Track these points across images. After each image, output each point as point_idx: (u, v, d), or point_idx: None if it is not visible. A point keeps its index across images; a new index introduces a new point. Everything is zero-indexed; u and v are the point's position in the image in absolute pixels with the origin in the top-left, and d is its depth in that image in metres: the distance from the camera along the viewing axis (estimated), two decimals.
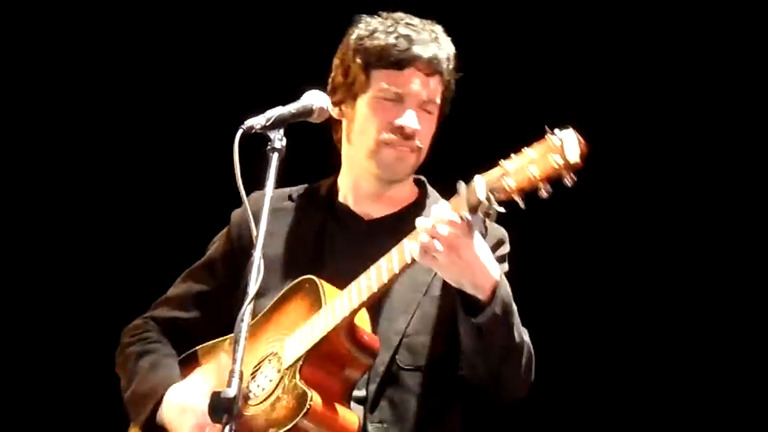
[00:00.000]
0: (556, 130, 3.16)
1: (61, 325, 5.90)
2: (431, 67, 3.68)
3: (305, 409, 3.43)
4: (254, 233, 3.31)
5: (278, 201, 3.76)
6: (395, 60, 3.67)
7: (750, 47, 5.46)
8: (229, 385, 3.15)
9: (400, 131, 3.67)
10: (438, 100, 3.72)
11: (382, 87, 3.68)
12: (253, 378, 3.60)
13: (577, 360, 5.50)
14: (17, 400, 5.91)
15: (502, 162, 3.22)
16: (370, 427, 3.58)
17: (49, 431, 5.93)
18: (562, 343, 5.38)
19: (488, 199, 3.22)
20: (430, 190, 3.85)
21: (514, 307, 3.48)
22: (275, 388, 3.54)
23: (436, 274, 3.53)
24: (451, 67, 3.73)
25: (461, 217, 3.27)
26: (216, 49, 5.73)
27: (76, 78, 5.87)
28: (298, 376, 3.49)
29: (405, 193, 3.82)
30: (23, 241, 5.93)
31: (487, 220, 3.38)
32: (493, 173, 3.23)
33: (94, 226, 5.90)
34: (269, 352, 3.61)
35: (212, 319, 3.84)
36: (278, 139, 3.42)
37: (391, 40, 3.68)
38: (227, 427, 3.13)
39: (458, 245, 3.31)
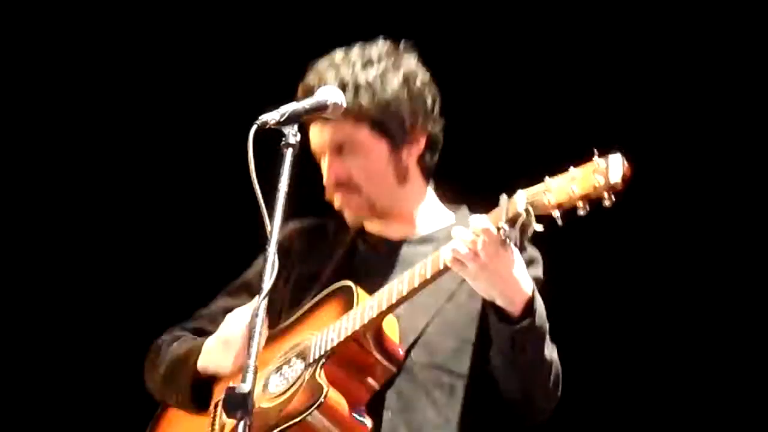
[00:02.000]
0: (604, 152, 3.21)
1: (72, 330, 5.91)
2: (325, 109, 3.59)
3: (318, 402, 3.46)
4: (268, 228, 3.31)
5: (317, 227, 3.89)
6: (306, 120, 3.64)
7: None
8: (243, 380, 3.14)
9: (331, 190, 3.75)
10: (353, 135, 3.71)
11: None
12: (277, 372, 3.63)
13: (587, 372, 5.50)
14: (21, 402, 5.92)
15: (547, 179, 3.27)
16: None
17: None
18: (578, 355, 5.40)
19: (527, 212, 3.26)
20: (467, 214, 3.81)
21: (547, 324, 3.50)
22: (296, 381, 3.57)
23: (462, 282, 3.53)
24: (355, 87, 3.69)
25: (498, 228, 3.30)
26: (231, 46, 5.74)
27: (88, 78, 5.88)
28: (319, 371, 3.52)
29: (437, 214, 3.84)
30: (36, 244, 5.95)
31: (524, 240, 3.40)
32: (536, 188, 3.28)
33: (103, 226, 5.91)
34: (296, 348, 3.64)
35: None
36: (292, 134, 3.42)
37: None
38: (242, 423, 3.13)
39: (491, 255, 3.34)
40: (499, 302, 3.42)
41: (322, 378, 3.50)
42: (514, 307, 3.42)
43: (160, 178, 5.81)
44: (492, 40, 5.51)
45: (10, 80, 5.87)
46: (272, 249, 3.28)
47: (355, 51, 3.78)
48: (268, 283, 3.23)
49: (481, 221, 3.35)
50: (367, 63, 3.75)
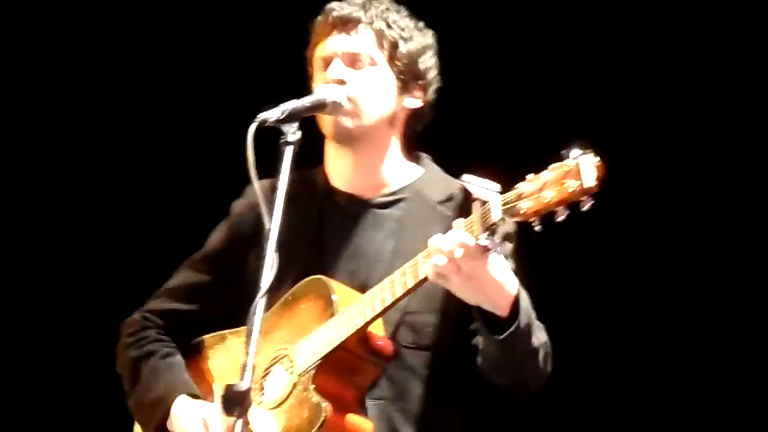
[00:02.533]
0: (574, 152, 3.13)
1: (61, 321, 5.89)
2: (351, 22, 3.71)
3: (320, 422, 3.45)
4: (267, 226, 3.30)
5: (271, 191, 3.62)
6: (320, 32, 3.76)
7: None
8: (241, 378, 3.14)
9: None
10: (372, 53, 3.72)
11: (317, 61, 3.76)
12: (264, 379, 3.61)
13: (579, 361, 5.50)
14: (17, 400, 5.91)
15: (519, 184, 3.21)
16: (369, 403, 3.58)
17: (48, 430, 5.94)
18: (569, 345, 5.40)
19: (503, 220, 3.22)
20: (434, 168, 3.83)
21: (533, 314, 3.49)
22: (288, 395, 3.55)
23: None
24: (389, 23, 3.74)
25: (476, 239, 3.27)
26: (230, 43, 5.73)
27: (85, 76, 5.87)
28: (311, 385, 3.50)
29: (399, 170, 3.79)
30: (24, 233, 5.92)
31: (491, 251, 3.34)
32: (509, 194, 3.22)
33: (101, 224, 5.90)
34: (280, 353, 3.61)
35: (212, 310, 3.85)
36: (292, 132, 3.41)
37: (317, 21, 3.80)
38: (240, 421, 3.13)
39: (471, 267, 3.31)
40: (485, 307, 3.41)
41: (317, 394, 3.48)
42: (501, 311, 3.41)
43: (159, 176, 5.80)
44: (478, 34, 5.52)
45: (9, 80, 5.86)
46: (271, 246, 3.27)
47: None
48: (267, 281, 3.22)
49: (457, 235, 3.30)
50: (400, 13, 3.79)
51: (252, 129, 3.37)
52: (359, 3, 3.77)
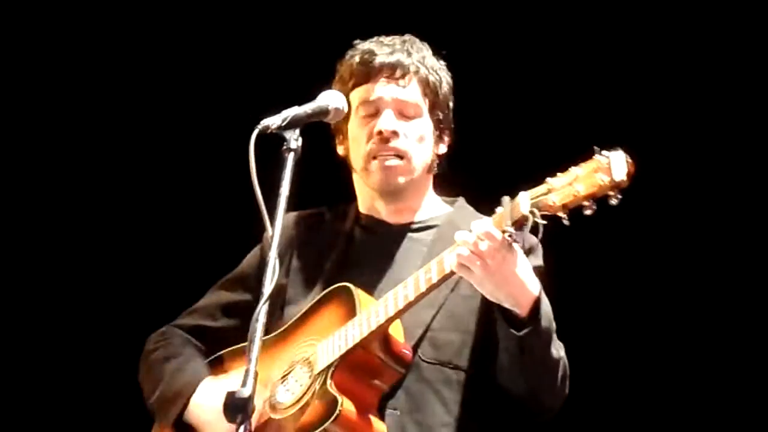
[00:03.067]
0: (605, 151, 3.19)
1: (70, 328, 5.91)
2: (400, 70, 3.76)
3: (335, 415, 3.45)
4: (269, 233, 3.31)
5: (314, 217, 3.88)
6: (363, 75, 3.77)
7: None
8: (244, 384, 3.14)
9: (379, 136, 3.73)
10: (419, 103, 3.77)
11: (359, 105, 3.78)
12: (283, 381, 3.61)
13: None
14: (23, 403, 5.93)
15: (549, 179, 3.26)
16: (385, 412, 3.58)
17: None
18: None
19: (532, 213, 3.24)
20: (467, 206, 3.87)
21: (554, 324, 3.50)
22: (305, 393, 3.56)
23: None
24: (429, 69, 3.79)
25: (504, 232, 3.29)
26: (232, 50, 5.74)
27: (91, 82, 5.88)
28: (329, 381, 3.51)
29: (435, 205, 3.85)
30: (38, 247, 5.95)
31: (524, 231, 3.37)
32: (539, 189, 3.26)
33: (104, 229, 5.91)
34: (301, 356, 3.62)
35: (240, 330, 3.80)
36: (294, 139, 3.42)
37: (357, 59, 3.79)
38: (242, 427, 3.12)
39: (496, 260, 3.33)
40: (506, 304, 3.42)
41: (333, 389, 3.49)
42: (521, 309, 3.42)
43: (162, 182, 5.81)
44: (492, 38, 5.52)
45: (10, 80, 5.86)
46: (273, 254, 3.28)
47: (394, 37, 3.85)
48: (268, 287, 3.23)
49: (484, 226, 3.34)
50: (429, 52, 3.83)
51: (254, 136, 3.38)
52: (400, 47, 3.79)
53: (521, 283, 3.39)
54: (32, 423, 5.90)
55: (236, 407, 3.14)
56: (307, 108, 3.55)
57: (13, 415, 5.88)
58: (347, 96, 3.74)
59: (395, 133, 3.73)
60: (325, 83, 3.77)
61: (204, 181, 5.70)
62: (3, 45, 5.86)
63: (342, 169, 3.93)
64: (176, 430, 3.76)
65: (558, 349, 3.53)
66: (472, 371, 3.64)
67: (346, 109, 3.66)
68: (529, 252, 3.61)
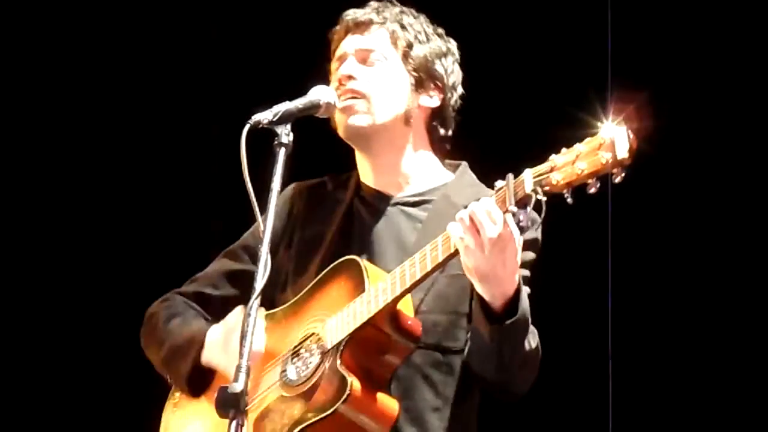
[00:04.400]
0: (608, 126, 3.19)
1: (69, 325, 5.92)
2: (363, 24, 3.80)
3: (345, 396, 3.43)
4: (260, 228, 3.31)
5: (316, 187, 3.88)
6: (336, 38, 3.84)
7: None
8: (236, 379, 3.14)
9: (339, 81, 3.75)
10: (384, 49, 3.77)
11: (333, 65, 3.83)
12: (293, 358, 3.60)
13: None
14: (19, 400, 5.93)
15: (552, 156, 3.25)
16: None
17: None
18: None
19: (535, 191, 3.24)
20: (469, 174, 3.84)
21: (529, 317, 3.49)
22: (315, 371, 3.54)
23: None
24: (403, 23, 3.80)
25: (506, 211, 3.29)
26: (223, 46, 5.74)
27: (86, 78, 5.89)
28: (338, 361, 3.49)
29: (427, 171, 3.82)
30: (31, 242, 5.95)
31: (522, 226, 3.35)
32: (542, 167, 3.26)
33: (99, 224, 5.91)
34: (310, 332, 3.61)
35: (241, 297, 3.81)
36: (285, 134, 3.42)
37: (335, 28, 3.86)
38: (234, 423, 3.12)
39: (496, 241, 3.31)
40: (492, 289, 3.40)
41: (343, 368, 3.48)
42: (495, 303, 3.41)
43: (153, 177, 5.81)
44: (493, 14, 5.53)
45: (10, 80, 5.86)
46: (264, 249, 3.27)
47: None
48: (260, 282, 3.22)
49: (486, 205, 3.31)
50: (417, 18, 3.85)
51: (245, 131, 3.38)
52: (374, 7, 3.84)
53: (500, 279, 3.38)
54: (32, 423, 5.90)
55: (228, 402, 3.12)
56: (298, 103, 3.55)
57: (13, 415, 5.87)
58: (330, 67, 3.83)
59: (350, 77, 3.75)
60: (317, 78, 3.77)
61: (195, 176, 5.70)
62: (3, 45, 5.86)
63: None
64: (190, 387, 3.73)
65: (531, 340, 3.51)
66: (458, 354, 3.63)
67: (338, 104, 3.67)
68: (530, 245, 3.63)
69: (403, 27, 3.80)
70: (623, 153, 3.14)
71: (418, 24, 3.83)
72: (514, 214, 3.28)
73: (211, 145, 5.37)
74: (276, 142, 3.42)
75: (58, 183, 5.92)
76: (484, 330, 3.44)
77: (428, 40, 3.82)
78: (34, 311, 5.92)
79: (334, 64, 3.84)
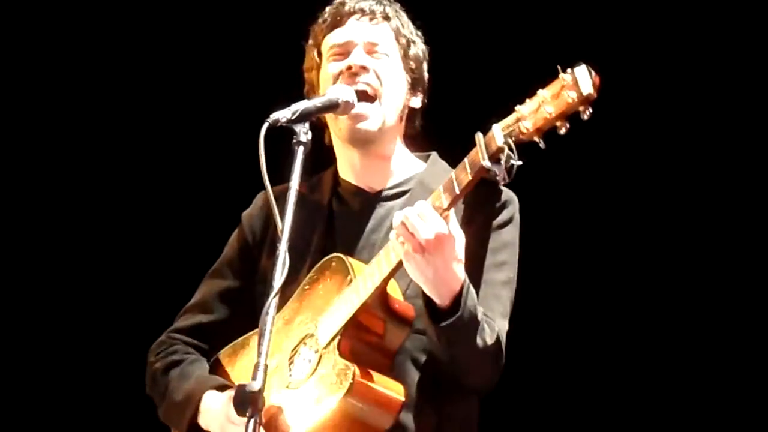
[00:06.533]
0: (568, 69, 3.19)
1: (73, 329, 5.92)
2: (371, 13, 3.74)
3: (348, 385, 3.42)
4: (279, 227, 3.30)
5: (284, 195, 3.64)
6: (333, 20, 3.77)
7: None
8: (254, 378, 3.13)
9: (348, 71, 3.69)
10: (392, 44, 3.75)
11: (329, 48, 3.76)
12: (291, 363, 3.59)
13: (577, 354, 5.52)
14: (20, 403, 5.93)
15: (517, 107, 3.26)
16: None
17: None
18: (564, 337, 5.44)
19: (507, 144, 3.24)
20: (440, 162, 3.83)
21: (479, 314, 3.47)
22: (315, 368, 3.53)
23: None
24: (402, 21, 3.79)
25: (482, 168, 3.29)
26: (242, 44, 5.74)
27: (101, 79, 5.89)
28: (336, 352, 3.49)
29: (408, 163, 3.81)
30: (43, 247, 5.95)
31: (499, 180, 3.33)
32: (509, 119, 3.27)
33: (114, 225, 5.92)
34: (304, 334, 3.60)
35: (236, 315, 3.83)
36: (303, 132, 3.42)
37: (328, 10, 3.80)
38: (252, 421, 3.12)
39: (433, 241, 3.33)
40: (438, 287, 3.41)
41: (342, 359, 3.47)
42: (443, 302, 3.42)
43: (171, 176, 5.82)
44: None
45: (12, 81, 5.87)
46: (283, 247, 3.27)
47: None
48: (278, 281, 3.22)
49: (420, 207, 3.34)
50: (407, 17, 3.83)
51: (263, 129, 3.37)
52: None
53: (442, 279, 3.38)
54: (32, 423, 5.91)
55: (246, 401, 3.12)
56: (317, 101, 3.55)
57: (13, 416, 5.89)
58: (319, 48, 3.76)
59: (364, 68, 3.71)
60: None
61: (214, 175, 5.71)
62: (3, 45, 5.86)
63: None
64: None
65: (486, 337, 3.49)
66: None
67: (356, 102, 3.65)
68: (506, 224, 3.64)
69: (402, 25, 3.79)
70: (588, 89, 3.15)
71: (409, 24, 3.83)
72: (488, 170, 3.28)
73: (230, 144, 5.36)
74: (294, 141, 3.41)
75: (60, 184, 5.93)
76: (431, 331, 3.45)
77: (416, 42, 3.82)
78: (41, 315, 5.93)
79: (329, 48, 3.75)
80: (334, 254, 3.62)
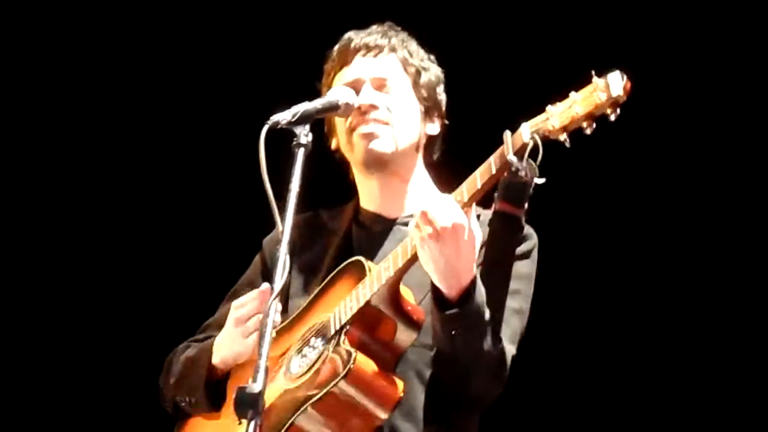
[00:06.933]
0: (600, 76, 3.22)
1: (81, 337, 5.92)
2: (376, 48, 3.78)
3: (348, 369, 3.43)
4: (279, 228, 3.31)
5: (310, 219, 3.86)
6: (340, 59, 3.80)
7: None
8: (254, 380, 3.12)
9: (359, 111, 3.72)
10: (400, 76, 3.78)
11: (333, 81, 3.79)
12: (297, 354, 3.60)
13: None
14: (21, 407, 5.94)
15: (548, 107, 3.30)
16: None
17: None
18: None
19: (533, 140, 3.27)
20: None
21: (487, 317, 3.47)
22: (320, 355, 3.54)
23: None
24: (409, 50, 3.81)
25: (506, 163, 3.31)
26: (242, 46, 5.75)
27: (101, 80, 5.90)
28: (343, 337, 3.50)
29: (429, 192, 3.81)
30: (50, 251, 5.97)
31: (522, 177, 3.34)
32: (538, 118, 3.31)
33: (114, 229, 5.93)
34: (316, 327, 3.61)
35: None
36: (304, 134, 3.43)
37: (336, 49, 3.83)
38: (252, 423, 3.11)
39: (450, 229, 3.34)
40: (448, 280, 3.41)
41: (346, 344, 3.48)
42: (451, 293, 3.42)
43: (171, 179, 5.82)
44: None
45: (18, 83, 5.88)
46: (284, 249, 3.28)
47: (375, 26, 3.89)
48: (279, 283, 3.22)
49: (441, 197, 3.38)
50: (416, 44, 3.86)
51: (264, 131, 3.38)
52: (380, 31, 3.83)
53: (454, 268, 3.39)
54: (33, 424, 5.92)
55: (247, 402, 3.11)
56: (318, 103, 3.56)
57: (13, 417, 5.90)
58: (329, 86, 3.78)
59: (373, 106, 3.73)
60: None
61: (213, 178, 5.71)
62: (3, 45, 5.87)
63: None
64: (207, 392, 3.72)
65: (491, 341, 3.49)
66: None
67: (356, 104, 3.67)
68: (524, 256, 3.65)
69: (410, 54, 3.82)
70: (618, 91, 3.18)
71: (419, 51, 3.85)
72: (512, 164, 3.31)
73: (230, 146, 5.37)
74: (295, 143, 3.42)
75: (73, 190, 5.94)
76: (436, 321, 3.45)
77: (429, 68, 3.85)
78: (46, 318, 5.94)
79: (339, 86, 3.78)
80: (354, 258, 3.64)
